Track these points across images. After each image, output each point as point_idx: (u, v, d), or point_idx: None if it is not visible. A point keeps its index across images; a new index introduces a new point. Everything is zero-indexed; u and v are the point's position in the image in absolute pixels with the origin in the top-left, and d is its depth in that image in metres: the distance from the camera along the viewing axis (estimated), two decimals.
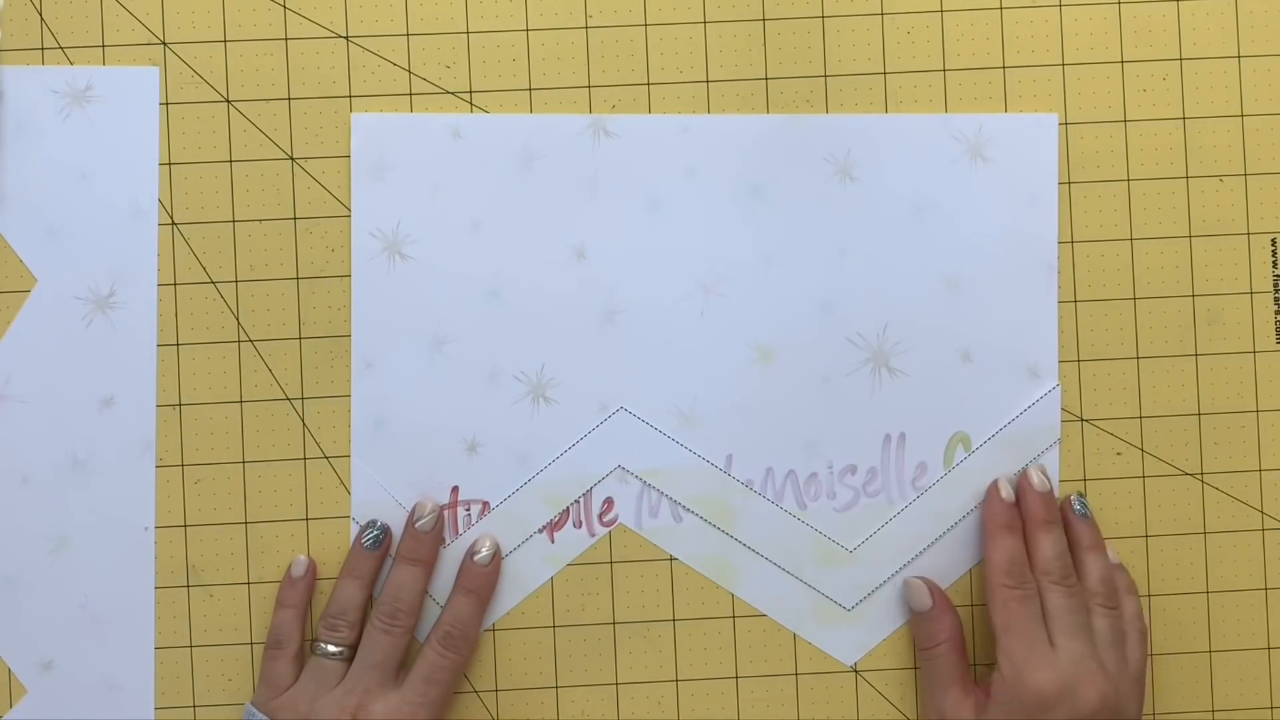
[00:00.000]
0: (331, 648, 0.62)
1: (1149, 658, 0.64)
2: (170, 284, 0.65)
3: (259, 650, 0.64)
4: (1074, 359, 0.65)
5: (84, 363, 0.64)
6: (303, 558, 0.63)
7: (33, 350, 0.64)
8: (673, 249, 0.65)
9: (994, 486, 0.64)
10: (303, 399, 0.65)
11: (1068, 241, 0.66)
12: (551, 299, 0.65)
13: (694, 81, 0.65)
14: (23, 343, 0.64)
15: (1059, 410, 0.65)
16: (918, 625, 0.64)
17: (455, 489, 0.64)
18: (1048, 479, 0.64)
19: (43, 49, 0.64)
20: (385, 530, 0.63)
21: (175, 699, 0.64)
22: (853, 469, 0.65)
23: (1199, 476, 0.66)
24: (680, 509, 0.65)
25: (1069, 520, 0.64)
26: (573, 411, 0.65)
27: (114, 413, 0.64)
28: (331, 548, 0.65)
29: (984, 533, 0.64)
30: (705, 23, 0.65)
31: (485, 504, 0.64)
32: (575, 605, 0.65)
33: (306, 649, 0.63)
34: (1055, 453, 0.65)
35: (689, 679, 0.65)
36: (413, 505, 0.63)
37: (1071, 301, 0.66)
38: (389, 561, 0.63)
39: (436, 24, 0.65)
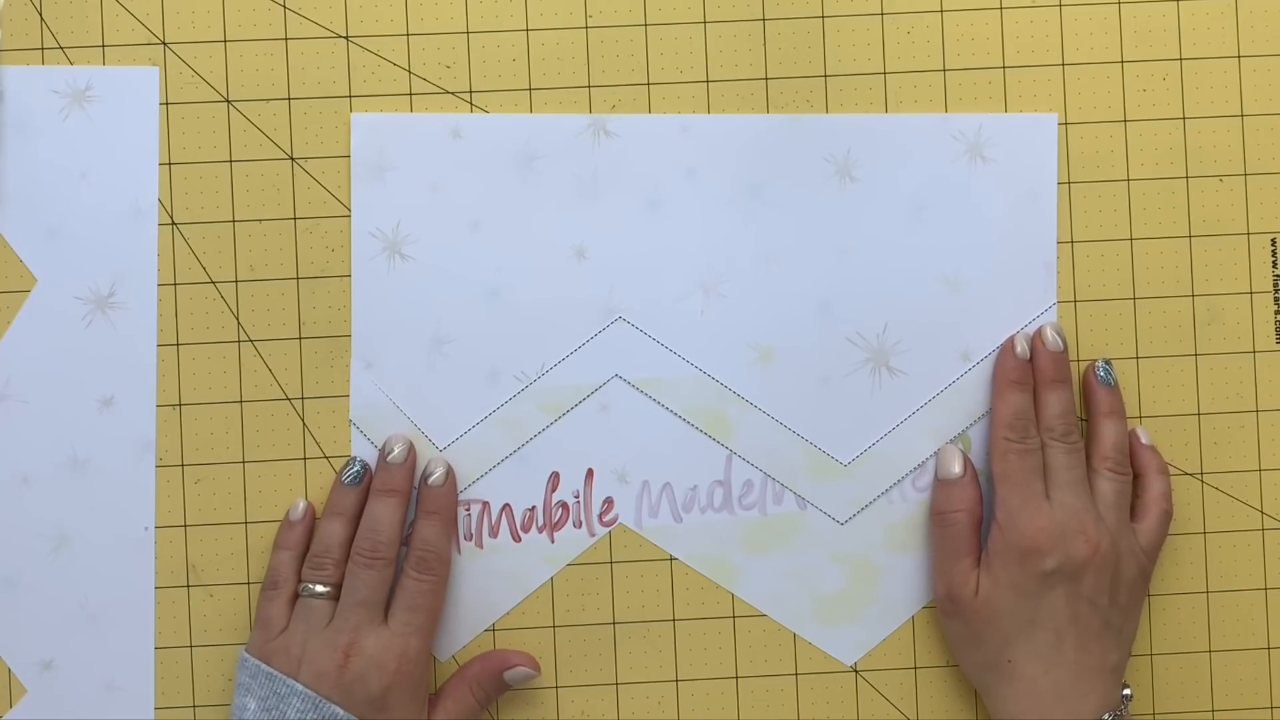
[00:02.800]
0: (319, 587, 0.61)
1: (1164, 538, 0.64)
2: (170, 284, 0.65)
3: None
4: (1074, 359, 0.65)
5: (84, 363, 0.64)
6: (301, 502, 0.63)
7: (33, 350, 0.64)
8: (673, 249, 0.65)
9: (1008, 342, 0.64)
10: (303, 399, 0.65)
11: (1067, 241, 0.66)
12: (551, 299, 0.65)
13: (694, 81, 0.65)
14: (23, 343, 0.64)
15: None
16: (941, 490, 0.64)
17: None
18: (1061, 339, 0.64)
19: (43, 49, 0.64)
20: (365, 467, 0.63)
21: (175, 699, 0.64)
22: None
23: (1199, 476, 0.66)
24: (679, 509, 0.65)
25: (1090, 385, 0.64)
26: (573, 410, 0.65)
27: (114, 413, 0.64)
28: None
29: (993, 387, 0.64)
30: (705, 23, 0.65)
31: (485, 504, 0.64)
32: (575, 605, 0.65)
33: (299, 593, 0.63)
34: None
35: (689, 679, 0.65)
36: (383, 441, 0.64)
37: (1071, 301, 0.66)
38: None
39: (436, 24, 0.65)
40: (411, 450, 0.63)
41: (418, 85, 0.65)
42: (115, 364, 0.64)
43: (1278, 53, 0.66)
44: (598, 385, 0.65)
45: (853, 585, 0.65)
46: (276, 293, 0.65)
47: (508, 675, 0.63)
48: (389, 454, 0.63)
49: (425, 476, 0.63)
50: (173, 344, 0.64)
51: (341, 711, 0.59)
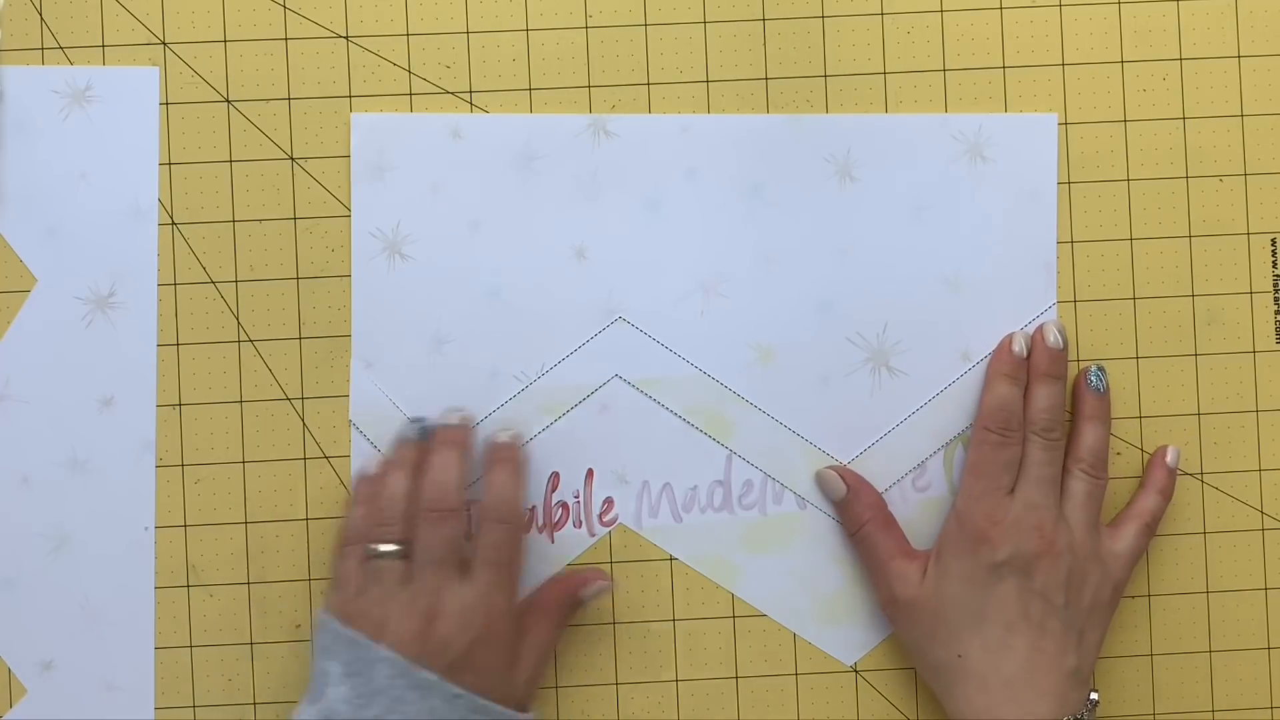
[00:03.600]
0: (386, 546, 0.59)
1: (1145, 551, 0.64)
2: (170, 284, 0.65)
3: (259, 650, 0.64)
4: (1074, 359, 0.65)
5: (84, 363, 0.64)
6: (378, 456, 0.63)
7: (33, 350, 0.64)
8: (673, 249, 0.65)
9: (1007, 338, 0.64)
10: (303, 399, 0.65)
11: (1067, 241, 0.66)
12: (551, 299, 0.65)
13: (694, 81, 0.65)
14: (23, 343, 0.64)
15: None
16: (840, 513, 0.64)
17: None
18: (1062, 337, 0.63)
19: (43, 49, 0.64)
20: (428, 425, 0.62)
21: (175, 699, 0.64)
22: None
23: (1199, 476, 0.66)
24: (679, 509, 0.65)
25: (1080, 388, 0.64)
26: (572, 410, 0.65)
27: (114, 413, 0.64)
28: (331, 547, 0.64)
29: (984, 379, 0.64)
30: (705, 23, 0.65)
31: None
32: None
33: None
34: None
35: (689, 679, 0.65)
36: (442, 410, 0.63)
37: (1071, 301, 0.66)
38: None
39: (436, 24, 0.65)
40: (469, 416, 0.63)
41: (418, 85, 0.65)
42: (115, 364, 0.64)
43: (1278, 53, 0.66)
44: (598, 385, 0.65)
45: (853, 585, 0.65)
46: (276, 293, 0.65)
47: (584, 593, 0.63)
48: (498, 435, 0.62)
49: (491, 436, 0.62)
50: (173, 344, 0.64)
51: (432, 675, 0.57)
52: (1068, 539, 0.61)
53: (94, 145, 0.64)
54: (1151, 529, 0.63)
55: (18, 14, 0.64)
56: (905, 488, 0.65)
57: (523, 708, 0.60)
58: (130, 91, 0.64)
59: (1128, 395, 0.66)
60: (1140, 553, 0.63)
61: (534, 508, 0.65)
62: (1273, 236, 0.66)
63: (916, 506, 0.65)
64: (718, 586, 0.65)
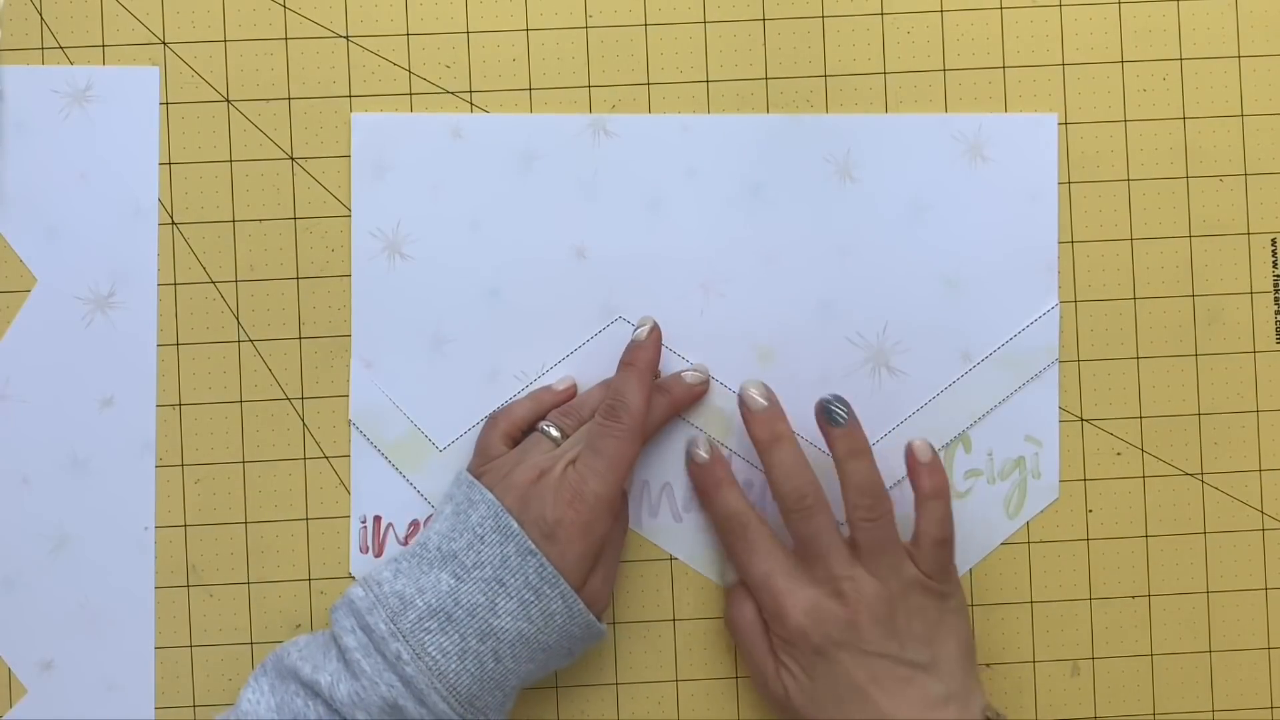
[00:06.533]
0: (554, 430, 0.62)
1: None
2: (170, 284, 0.65)
3: (259, 650, 0.64)
4: (1074, 359, 0.65)
5: (84, 363, 0.64)
6: (571, 376, 0.64)
7: (33, 350, 0.64)
8: (673, 249, 0.65)
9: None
10: (303, 399, 0.65)
11: (1068, 241, 0.66)
12: (551, 299, 0.65)
13: (694, 81, 0.65)
14: (23, 343, 0.64)
15: (1057, 409, 0.65)
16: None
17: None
18: (762, 398, 0.62)
19: (43, 49, 0.64)
20: (655, 326, 0.63)
21: (175, 699, 0.64)
22: None
23: (1199, 476, 0.66)
24: (679, 509, 0.65)
25: (822, 427, 0.61)
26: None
27: (114, 413, 0.64)
28: (331, 548, 0.65)
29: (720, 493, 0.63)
30: (705, 23, 0.65)
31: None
32: None
33: (518, 432, 0.63)
34: (1055, 450, 0.65)
35: (689, 679, 0.65)
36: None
37: (1072, 301, 0.66)
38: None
39: (436, 24, 0.65)
40: (655, 329, 0.63)
41: (418, 85, 0.65)
42: (115, 364, 0.64)
43: (1278, 53, 0.66)
44: (598, 385, 0.65)
45: None
46: (276, 293, 0.65)
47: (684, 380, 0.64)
48: (636, 331, 0.63)
49: (633, 333, 0.63)
50: (173, 344, 0.64)
51: (516, 525, 0.59)
52: (873, 590, 0.59)
53: (94, 145, 0.64)
54: (943, 540, 0.61)
55: (18, 14, 0.64)
56: (905, 487, 0.65)
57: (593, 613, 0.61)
58: (130, 91, 0.64)
59: (1128, 395, 0.66)
60: (948, 560, 0.61)
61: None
62: (1273, 236, 0.66)
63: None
64: (718, 586, 0.65)
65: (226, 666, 0.64)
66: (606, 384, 0.63)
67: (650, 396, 0.61)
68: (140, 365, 0.64)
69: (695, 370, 0.64)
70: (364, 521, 0.65)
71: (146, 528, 0.64)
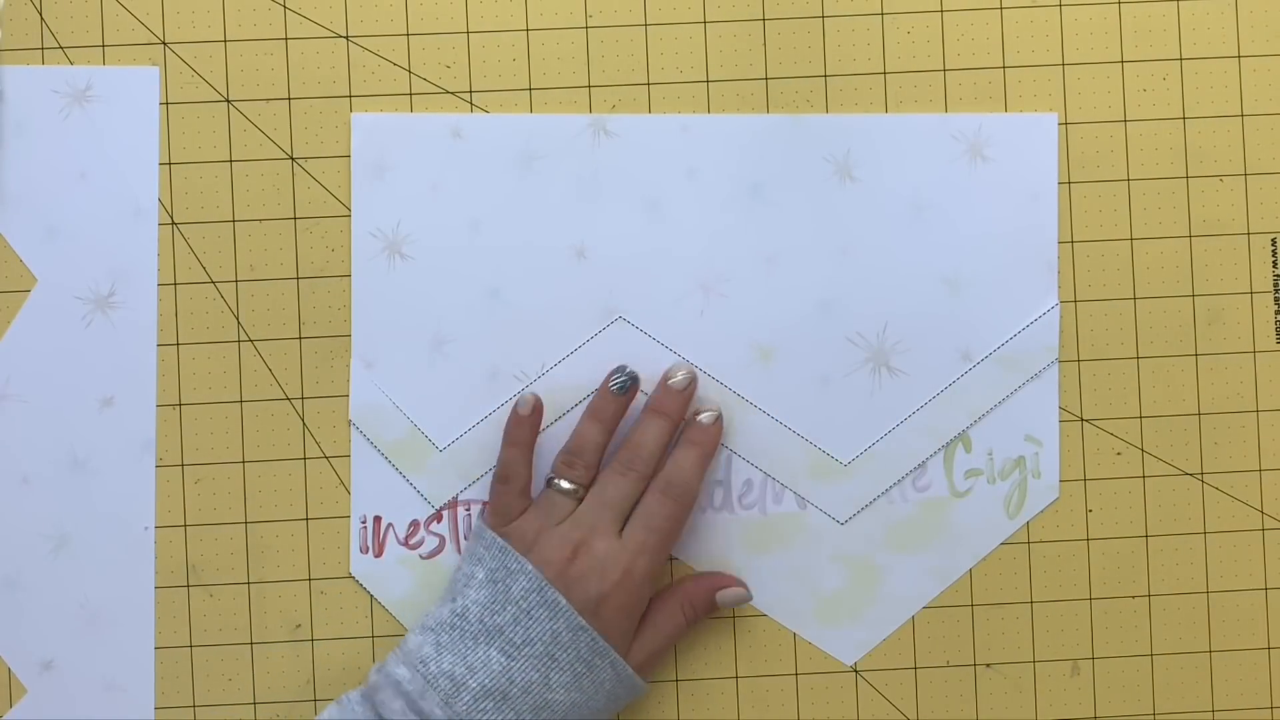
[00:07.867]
0: (565, 484, 0.62)
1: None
2: (170, 284, 0.65)
3: (259, 650, 0.64)
4: (1074, 359, 0.65)
5: (84, 363, 0.64)
6: (530, 395, 0.63)
7: (33, 350, 0.64)
8: (673, 249, 0.65)
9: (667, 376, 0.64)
10: (303, 399, 0.65)
11: (1068, 241, 0.66)
12: (551, 299, 0.65)
13: (694, 81, 0.65)
14: (23, 343, 0.64)
15: (1057, 409, 0.65)
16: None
17: (455, 497, 0.64)
18: (685, 380, 0.63)
19: (43, 49, 0.64)
20: (633, 378, 0.63)
21: (175, 699, 0.64)
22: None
23: (1199, 476, 0.66)
24: None
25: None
26: (573, 410, 0.65)
27: (114, 412, 0.64)
28: (331, 548, 0.65)
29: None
30: (705, 23, 0.65)
31: (486, 504, 0.64)
32: None
33: (531, 485, 0.63)
34: (1055, 450, 0.65)
35: (689, 679, 0.65)
36: (668, 367, 0.64)
37: (1072, 301, 0.66)
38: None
39: (436, 24, 0.65)
40: (693, 381, 0.63)
41: (418, 85, 0.65)
42: (115, 364, 0.64)
43: (1278, 53, 0.66)
44: (598, 385, 0.65)
45: (853, 585, 0.65)
46: (276, 293, 0.65)
47: (720, 596, 0.63)
48: (670, 379, 0.63)
49: (697, 413, 0.63)
50: (173, 344, 0.64)
51: (564, 601, 0.59)
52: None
53: (94, 145, 0.64)
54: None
55: (18, 14, 0.64)
56: (905, 488, 0.65)
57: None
58: (130, 91, 0.64)
59: (1128, 395, 0.66)
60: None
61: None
62: (1273, 236, 0.66)
63: (917, 506, 0.65)
64: None
65: (226, 666, 0.64)
66: (598, 419, 0.63)
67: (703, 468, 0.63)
68: (140, 365, 0.64)
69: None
70: (364, 521, 0.65)
71: (146, 528, 0.64)
